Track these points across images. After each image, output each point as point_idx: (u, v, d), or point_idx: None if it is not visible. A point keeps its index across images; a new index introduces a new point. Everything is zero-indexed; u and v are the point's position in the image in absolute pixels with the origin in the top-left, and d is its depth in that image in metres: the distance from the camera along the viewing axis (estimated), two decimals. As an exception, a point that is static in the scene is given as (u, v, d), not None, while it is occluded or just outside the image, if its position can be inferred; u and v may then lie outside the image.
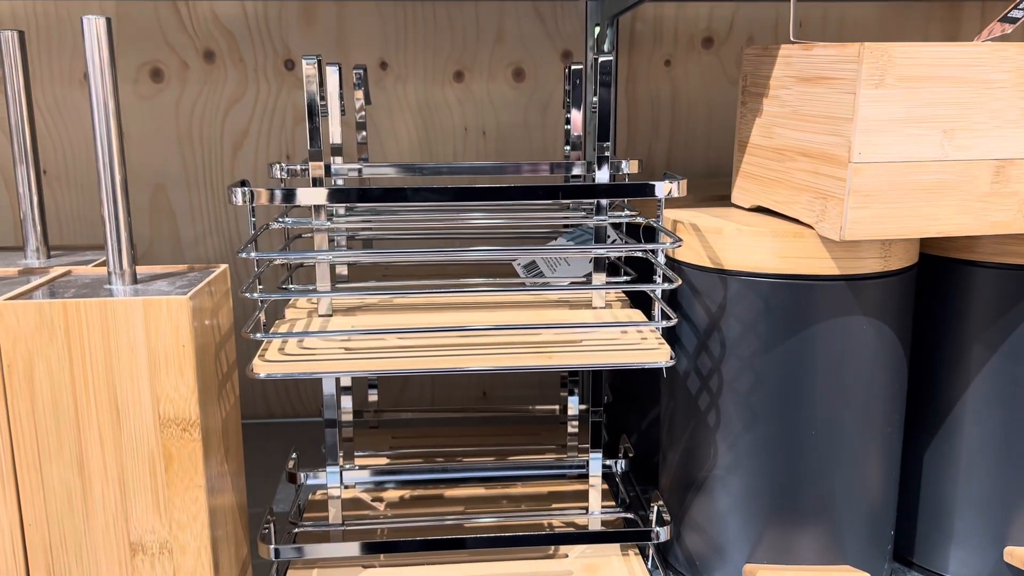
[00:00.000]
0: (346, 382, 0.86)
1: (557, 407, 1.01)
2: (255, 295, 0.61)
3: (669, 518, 0.69)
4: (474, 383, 1.11)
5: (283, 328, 0.68)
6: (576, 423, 0.87)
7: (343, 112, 0.80)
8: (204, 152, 1.04)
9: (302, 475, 0.80)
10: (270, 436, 1.04)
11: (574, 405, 0.86)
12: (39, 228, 0.70)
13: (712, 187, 0.87)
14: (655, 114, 1.08)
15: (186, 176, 1.04)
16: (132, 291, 0.58)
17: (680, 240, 0.65)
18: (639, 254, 0.70)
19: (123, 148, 0.59)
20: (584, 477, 0.86)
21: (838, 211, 0.60)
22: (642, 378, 0.85)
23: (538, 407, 1.02)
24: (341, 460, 0.73)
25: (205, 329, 0.59)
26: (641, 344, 0.65)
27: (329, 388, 0.71)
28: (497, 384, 1.11)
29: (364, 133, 0.90)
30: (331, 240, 0.79)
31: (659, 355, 0.63)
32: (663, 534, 0.68)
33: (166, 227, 1.04)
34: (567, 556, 0.74)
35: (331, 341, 0.66)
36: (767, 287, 0.64)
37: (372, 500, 0.84)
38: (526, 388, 1.11)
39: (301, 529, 0.74)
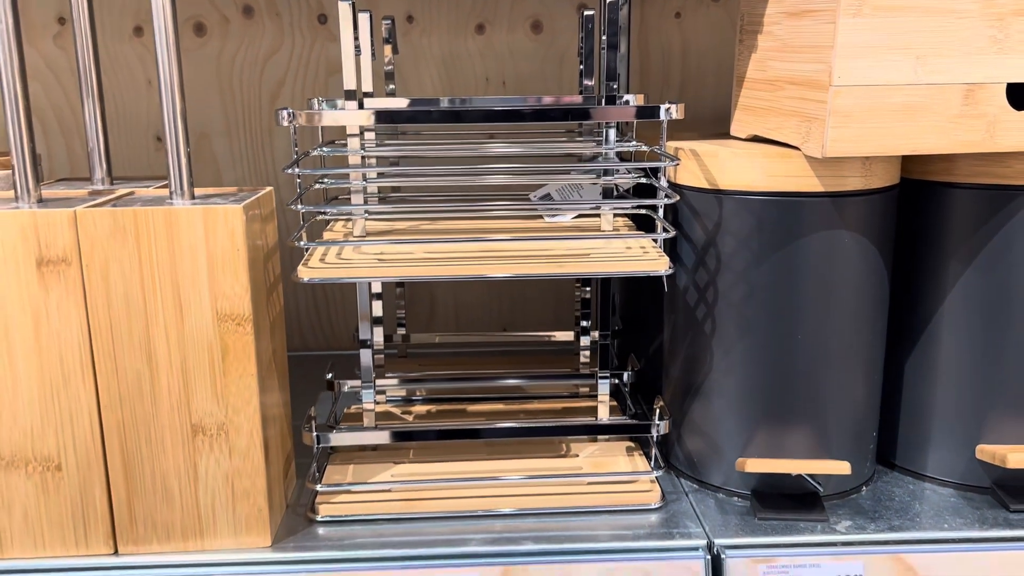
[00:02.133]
0: (377, 311, 0.94)
1: (572, 334, 1.08)
2: (298, 207, 0.69)
3: (668, 415, 0.77)
4: (495, 319, 1.19)
5: (323, 245, 0.76)
6: (588, 349, 0.94)
7: (373, 56, 0.87)
8: (243, 102, 1.11)
9: (339, 384, 0.88)
10: (306, 367, 1.12)
11: (586, 331, 0.94)
12: (103, 158, 0.78)
13: (717, 130, 0.93)
14: (666, 66, 1.14)
15: (227, 125, 1.12)
16: (192, 204, 0.66)
17: (678, 160, 0.72)
18: (644, 181, 0.76)
19: (183, 87, 0.66)
20: (595, 396, 0.93)
21: (820, 131, 0.66)
22: (648, 305, 0.92)
23: (555, 335, 1.09)
24: (373, 375, 0.81)
25: (255, 238, 0.67)
26: (643, 256, 0.72)
27: (363, 301, 0.78)
28: (517, 319, 1.19)
29: (392, 85, 0.97)
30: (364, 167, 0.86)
31: (659, 264, 0.70)
32: (662, 427, 0.75)
33: (209, 173, 1.12)
34: (577, 455, 0.82)
35: (366, 253, 0.73)
36: (758, 204, 0.71)
37: (401, 413, 0.92)
38: (542, 325, 1.19)
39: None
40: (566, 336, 1.08)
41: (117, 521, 0.68)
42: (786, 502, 0.74)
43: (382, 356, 0.97)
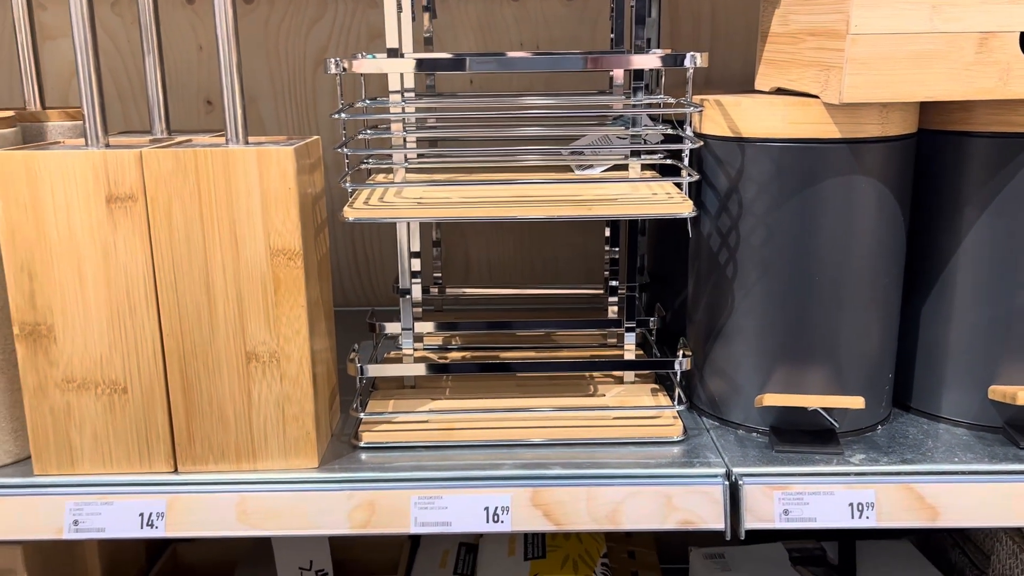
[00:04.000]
0: (416, 267, 0.98)
1: (601, 289, 1.12)
2: (345, 150, 0.74)
3: (690, 353, 0.80)
4: (527, 277, 1.23)
5: (366, 191, 0.81)
6: (615, 305, 0.98)
7: (413, 19, 0.92)
8: (289, 68, 1.17)
9: (379, 326, 0.94)
10: (347, 321, 1.17)
11: (614, 286, 0.98)
12: (163, 111, 0.84)
13: (744, 90, 0.96)
14: (696, 30, 1.17)
15: (273, 90, 1.17)
16: (253, 146, 0.71)
17: (702, 107, 0.76)
18: (671, 132, 0.80)
19: (239, 45, 0.71)
20: (623, 345, 0.98)
21: (838, 78, 0.69)
22: (673, 256, 0.96)
23: (584, 290, 1.13)
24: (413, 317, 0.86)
25: (305, 180, 0.72)
26: (668, 200, 0.76)
27: (403, 244, 0.83)
28: (548, 277, 1.23)
29: (430, 48, 1.01)
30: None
31: (683, 207, 0.74)
32: (684, 364, 0.79)
33: (255, 135, 1.18)
34: (604, 395, 0.86)
35: (406, 197, 0.78)
36: (779, 151, 0.74)
37: (438, 359, 0.97)
38: (573, 283, 1.23)
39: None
40: (595, 291, 1.12)
41: (177, 441, 0.74)
42: (803, 437, 0.77)
43: (419, 310, 1.02)
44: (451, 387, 0.89)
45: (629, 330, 0.86)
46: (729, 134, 0.77)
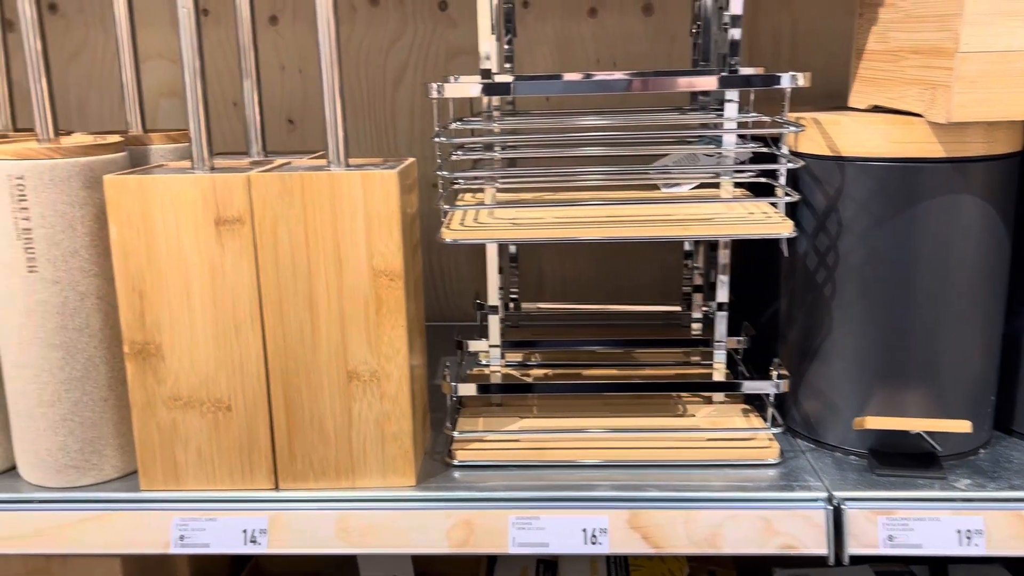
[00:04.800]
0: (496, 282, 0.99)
1: (679, 306, 1.11)
2: (443, 173, 0.75)
3: (787, 374, 0.79)
4: (601, 293, 1.23)
5: (459, 211, 0.82)
6: (697, 321, 0.98)
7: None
8: (368, 86, 1.18)
9: (465, 344, 0.94)
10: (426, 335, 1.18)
11: (698, 301, 0.97)
12: (260, 134, 0.86)
13: (829, 105, 0.95)
14: (776, 47, 1.16)
15: (353, 108, 1.19)
16: (355, 169, 0.72)
17: (803, 126, 0.75)
18: (764, 150, 0.80)
19: (341, 64, 0.72)
20: (706, 364, 0.97)
21: (946, 97, 0.68)
22: (761, 273, 0.95)
23: (660, 307, 1.12)
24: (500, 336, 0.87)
25: (405, 202, 0.73)
26: (766, 220, 0.75)
27: (493, 263, 0.84)
28: (622, 293, 1.23)
29: (509, 66, 1.02)
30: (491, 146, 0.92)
31: (783, 227, 0.73)
32: (782, 386, 0.78)
33: (336, 152, 1.20)
34: (694, 416, 0.86)
35: (500, 218, 0.79)
36: (880, 170, 0.73)
37: (520, 376, 0.97)
38: (647, 299, 1.22)
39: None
40: (672, 308, 1.12)
41: (278, 458, 0.75)
42: (903, 460, 0.76)
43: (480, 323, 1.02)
44: (538, 405, 0.89)
45: (719, 349, 0.86)
46: (828, 153, 0.76)
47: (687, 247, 1.02)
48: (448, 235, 0.74)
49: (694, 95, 1.01)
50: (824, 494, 0.73)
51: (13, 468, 0.80)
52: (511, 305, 1.11)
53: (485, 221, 0.79)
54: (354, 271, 0.71)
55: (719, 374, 0.87)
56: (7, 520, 0.74)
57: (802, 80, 0.73)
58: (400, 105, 1.19)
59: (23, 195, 0.70)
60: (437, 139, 0.75)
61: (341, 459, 0.75)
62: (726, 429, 0.82)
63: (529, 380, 0.96)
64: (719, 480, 0.76)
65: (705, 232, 0.73)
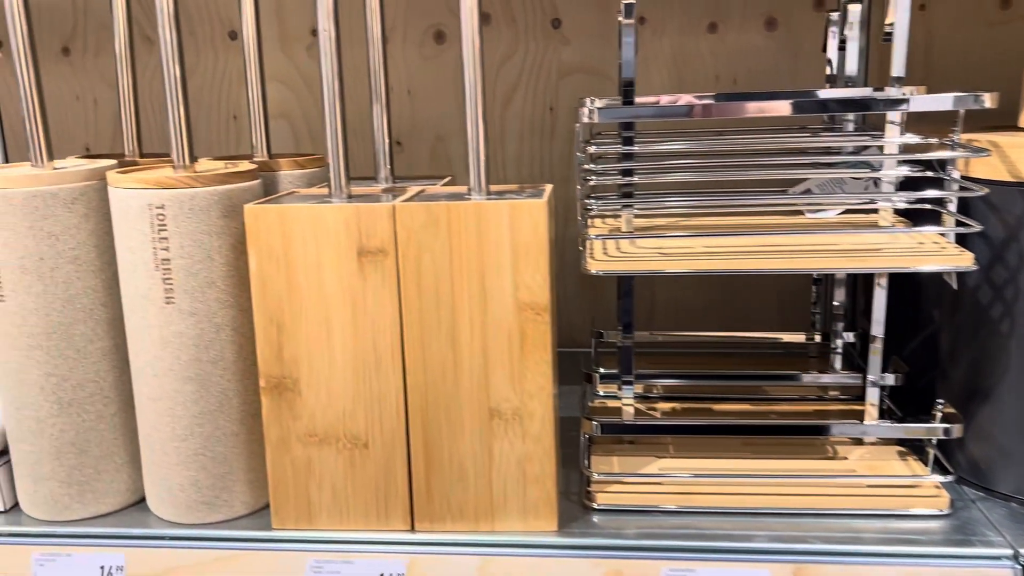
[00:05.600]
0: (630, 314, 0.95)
1: (803, 336, 1.05)
2: (590, 201, 0.71)
3: (958, 416, 0.73)
4: (713, 319, 1.18)
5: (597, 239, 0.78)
6: (836, 350, 0.92)
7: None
8: (477, 106, 1.15)
9: (596, 377, 0.90)
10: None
11: (838, 331, 0.91)
12: (388, 159, 0.83)
13: (981, 124, 0.89)
14: (909, 64, 1.09)
15: (461, 128, 1.16)
16: (493, 198, 0.69)
17: (988, 151, 0.69)
18: (930, 175, 0.74)
19: (485, 93, 0.69)
20: (847, 399, 0.91)
21: None
22: (914, 304, 0.89)
23: (784, 336, 1.06)
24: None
25: (549, 231, 0.70)
26: (941, 252, 0.70)
27: (626, 293, 0.79)
28: (736, 320, 1.17)
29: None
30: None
31: (962, 260, 0.67)
32: (955, 431, 0.72)
33: (444, 174, 1.17)
34: (846, 458, 0.80)
35: (644, 247, 0.75)
36: (1070, 198, 0.67)
37: (647, 408, 0.93)
38: (762, 326, 1.16)
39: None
40: (794, 337, 1.06)
41: (416, 499, 0.72)
42: (1093, 515, 0.69)
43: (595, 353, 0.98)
44: (672, 443, 0.84)
45: (872, 387, 0.80)
46: (1007, 178, 0.70)
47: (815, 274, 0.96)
48: (594, 266, 0.70)
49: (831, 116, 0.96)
50: (1008, 550, 0.66)
51: (141, 500, 0.79)
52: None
53: (629, 251, 0.74)
54: (499, 304, 0.68)
55: (871, 412, 0.81)
56: (141, 556, 0.72)
57: (989, 101, 0.67)
58: (509, 125, 1.16)
59: (163, 225, 0.68)
60: (587, 168, 0.71)
61: (481, 501, 0.71)
62: (887, 476, 0.76)
63: (657, 414, 0.91)
64: (885, 532, 0.70)
65: (880, 264, 0.68)
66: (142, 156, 0.89)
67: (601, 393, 0.94)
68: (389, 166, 0.83)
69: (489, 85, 1.15)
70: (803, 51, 1.10)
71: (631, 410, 0.83)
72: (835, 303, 0.93)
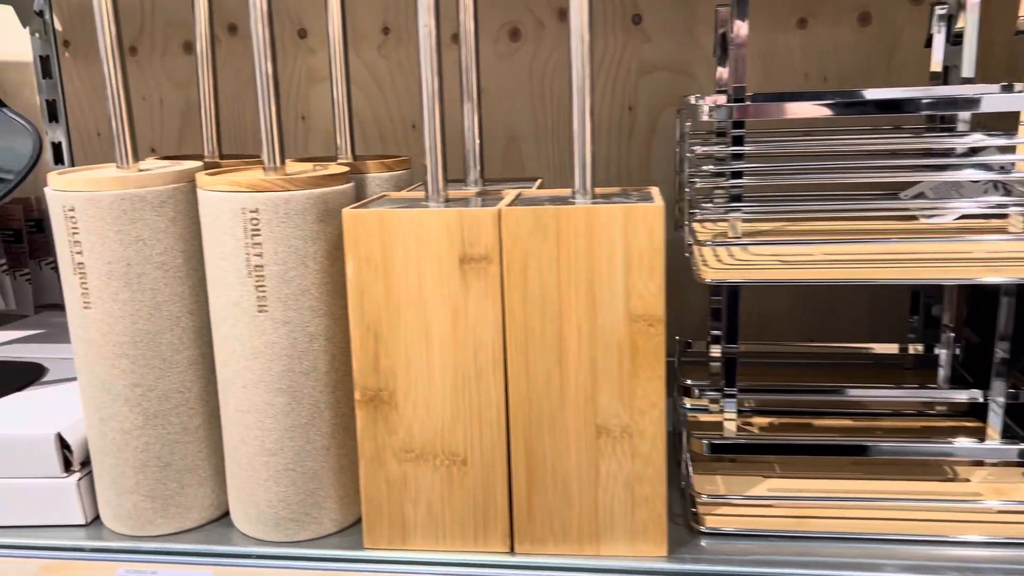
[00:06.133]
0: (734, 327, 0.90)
1: (897, 347, 1.00)
2: (705, 206, 0.67)
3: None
4: (801, 328, 1.13)
5: (704, 247, 0.73)
6: (939, 363, 0.87)
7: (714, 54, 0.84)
8: (553, 107, 1.12)
9: (697, 391, 0.86)
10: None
11: (945, 341, 0.86)
12: (478, 160, 0.80)
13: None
14: (1011, 52, 1.04)
15: (536, 129, 1.13)
16: (600, 202, 0.65)
17: None
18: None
19: (593, 92, 0.65)
20: (953, 416, 0.86)
21: None
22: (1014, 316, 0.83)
23: (875, 347, 1.01)
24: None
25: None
26: (1086, 260, 0.64)
27: (729, 305, 0.75)
28: (823, 330, 1.12)
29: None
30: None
31: (1113, 269, 0.62)
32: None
33: (515, 175, 1.14)
34: (968, 480, 0.75)
35: (758, 255, 0.70)
36: None
37: (743, 424, 0.88)
38: (851, 337, 1.11)
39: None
40: (887, 348, 1.00)
41: (516, 519, 0.68)
42: None
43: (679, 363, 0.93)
44: (777, 461, 0.80)
45: (996, 406, 0.75)
46: None
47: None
48: (709, 275, 0.66)
49: (931, 116, 0.91)
50: None
51: (224, 516, 0.76)
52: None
53: (744, 258, 0.70)
54: (609, 315, 0.64)
55: (993, 431, 0.76)
56: (227, 575, 0.69)
57: None
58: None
59: (257, 230, 0.65)
60: (699, 174, 0.67)
61: (585, 522, 0.67)
62: (1018, 501, 0.71)
63: (754, 429, 0.87)
64: (1021, 562, 0.65)
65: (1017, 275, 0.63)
66: (222, 157, 0.86)
67: (688, 406, 0.90)
68: (479, 168, 0.80)
69: (564, 86, 1.11)
70: (899, 47, 1.05)
71: (733, 426, 0.79)
72: (934, 312, 0.88)
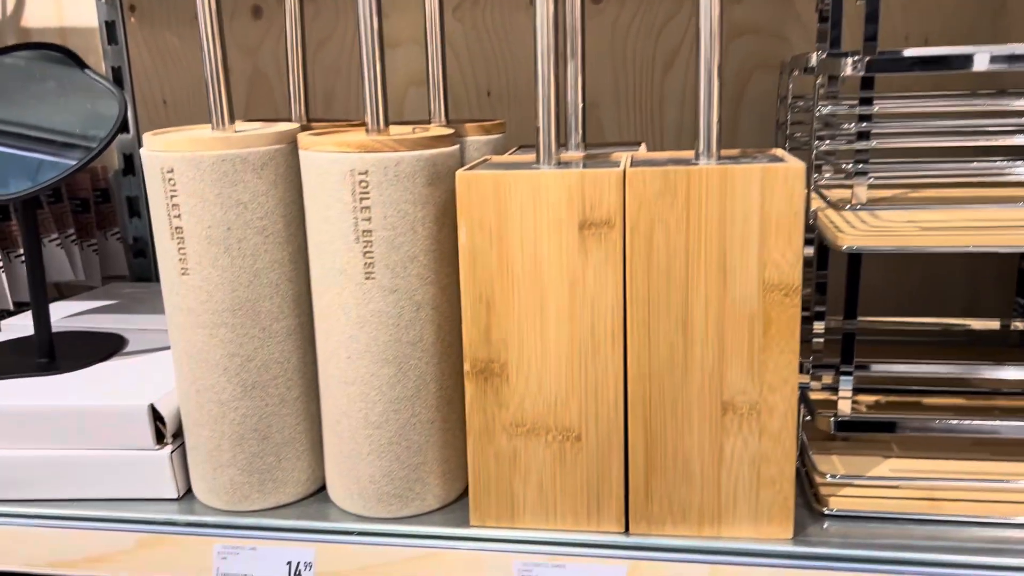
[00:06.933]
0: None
1: (998, 323, 0.95)
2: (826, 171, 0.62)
3: None
4: (894, 301, 1.08)
5: (831, 213, 0.69)
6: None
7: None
8: (635, 72, 1.07)
9: (809, 366, 0.82)
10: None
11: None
12: (581, 124, 0.76)
13: None
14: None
15: (616, 95, 1.09)
16: (731, 163, 0.61)
17: None
18: None
19: (722, 45, 0.61)
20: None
21: None
22: None
23: (975, 323, 0.96)
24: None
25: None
26: None
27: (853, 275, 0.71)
28: (918, 301, 1.08)
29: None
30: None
31: None
32: None
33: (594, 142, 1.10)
34: (1105, 463, 0.71)
35: (891, 220, 0.66)
36: None
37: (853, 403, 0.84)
38: (951, 311, 1.07)
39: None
40: (986, 325, 0.95)
41: (632, 498, 0.65)
42: None
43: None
44: (896, 440, 0.76)
45: None
46: None
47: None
48: (847, 240, 0.62)
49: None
50: None
51: (320, 490, 0.73)
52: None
53: (877, 224, 0.66)
54: (741, 284, 0.60)
55: None
56: (327, 553, 0.67)
57: None
58: (670, 92, 1.07)
59: (366, 193, 0.62)
60: (821, 132, 0.63)
61: (707, 503, 0.64)
62: None
63: (862, 408, 0.83)
64: None
65: None
66: (310, 121, 0.83)
67: (841, 387, 0.86)
68: (581, 131, 0.76)
69: (648, 50, 1.06)
70: (1006, 8, 0.99)
71: (846, 405, 0.75)
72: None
